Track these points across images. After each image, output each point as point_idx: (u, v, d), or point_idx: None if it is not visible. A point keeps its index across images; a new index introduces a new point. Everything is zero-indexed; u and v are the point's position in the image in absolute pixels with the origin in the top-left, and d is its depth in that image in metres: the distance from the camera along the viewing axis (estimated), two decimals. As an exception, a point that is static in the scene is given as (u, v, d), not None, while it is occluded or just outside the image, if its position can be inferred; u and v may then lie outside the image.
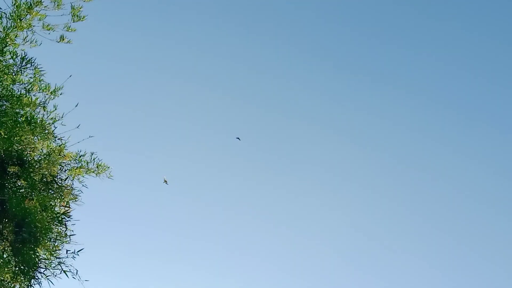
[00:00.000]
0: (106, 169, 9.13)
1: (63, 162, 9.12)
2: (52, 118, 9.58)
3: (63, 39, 10.09)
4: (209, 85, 24.92)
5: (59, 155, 8.98)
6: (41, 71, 9.80)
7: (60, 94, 9.82)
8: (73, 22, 10.21)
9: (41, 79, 9.63)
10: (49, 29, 9.85)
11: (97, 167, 9.05)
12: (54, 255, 8.91)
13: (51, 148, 9.10)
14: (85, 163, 9.07)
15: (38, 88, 9.75)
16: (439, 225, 26.37)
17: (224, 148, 24.84)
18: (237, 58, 25.49)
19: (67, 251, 8.96)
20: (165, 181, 12.67)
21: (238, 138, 17.02)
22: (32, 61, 9.80)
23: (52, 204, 9.12)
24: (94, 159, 9.11)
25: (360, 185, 26.44)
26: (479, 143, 27.53)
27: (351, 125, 26.84)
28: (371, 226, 25.84)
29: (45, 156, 9.13)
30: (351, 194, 26.51)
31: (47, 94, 9.78)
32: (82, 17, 10.21)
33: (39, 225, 8.95)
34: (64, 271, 8.91)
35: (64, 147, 9.12)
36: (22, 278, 8.73)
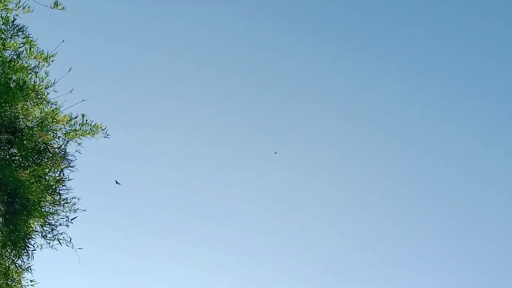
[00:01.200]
0: (101, 129, 8.74)
1: (56, 128, 8.73)
2: (45, 85, 9.23)
3: (57, 5, 9.74)
4: (209, 63, 24.41)
5: (53, 120, 8.59)
6: (32, 40, 9.45)
7: (52, 61, 9.45)
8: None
9: (33, 44, 9.26)
10: (44, -8, 9.49)
11: (91, 128, 8.66)
12: (48, 222, 8.52)
13: (44, 114, 8.71)
14: (79, 126, 8.67)
15: (30, 55, 9.38)
16: (445, 206, 25.83)
17: (222, 125, 24.30)
18: (237, 35, 24.96)
19: (60, 219, 8.58)
20: (117, 183, 12.43)
21: (276, 152, 19.58)
22: (24, 29, 9.47)
23: (46, 171, 8.72)
24: (87, 121, 8.72)
25: (363, 164, 25.88)
26: (485, 123, 26.93)
27: (352, 102, 26.23)
28: (373, 206, 25.30)
29: (38, 122, 8.74)
30: (353, 173, 25.96)
31: (39, 61, 9.42)
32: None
33: (31, 197, 8.57)
34: (58, 239, 8.53)
35: (58, 112, 8.73)
36: (11, 248, 8.34)
